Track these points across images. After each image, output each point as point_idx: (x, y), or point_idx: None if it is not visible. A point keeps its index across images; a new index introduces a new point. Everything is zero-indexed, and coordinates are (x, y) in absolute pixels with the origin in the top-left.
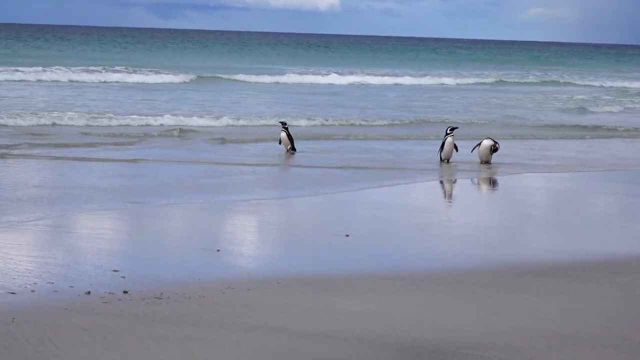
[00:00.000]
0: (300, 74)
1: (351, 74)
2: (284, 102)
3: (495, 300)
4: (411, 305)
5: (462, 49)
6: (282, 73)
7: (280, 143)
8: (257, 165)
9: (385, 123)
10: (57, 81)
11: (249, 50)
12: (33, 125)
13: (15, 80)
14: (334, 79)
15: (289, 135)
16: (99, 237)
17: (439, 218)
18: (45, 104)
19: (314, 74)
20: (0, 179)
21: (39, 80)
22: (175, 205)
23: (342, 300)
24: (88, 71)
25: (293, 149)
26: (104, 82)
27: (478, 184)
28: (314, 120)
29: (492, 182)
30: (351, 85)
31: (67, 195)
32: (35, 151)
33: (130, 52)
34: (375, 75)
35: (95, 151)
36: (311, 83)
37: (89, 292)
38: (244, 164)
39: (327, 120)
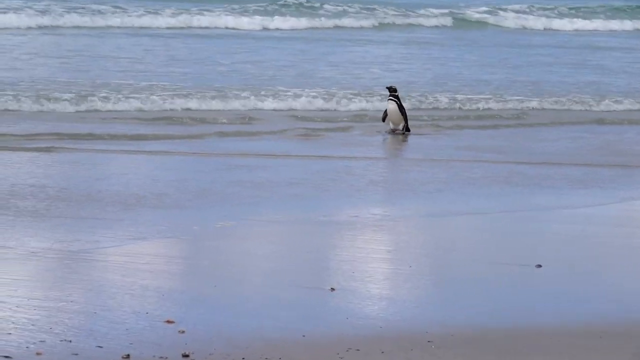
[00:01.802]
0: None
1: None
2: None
3: None
4: None
5: None
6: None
7: (384, 120)
8: (354, 158)
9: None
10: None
11: None
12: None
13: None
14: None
15: (400, 107)
16: (144, 268)
17: None
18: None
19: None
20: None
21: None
22: (269, 220)
23: None
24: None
25: (407, 128)
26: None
27: None
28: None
29: None
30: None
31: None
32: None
33: None
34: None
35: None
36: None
37: (127, 356)
38: (340, 157)
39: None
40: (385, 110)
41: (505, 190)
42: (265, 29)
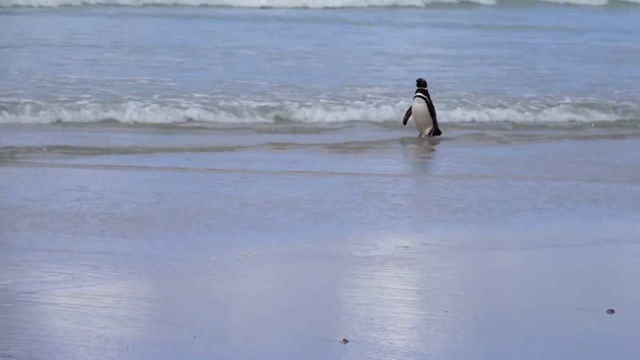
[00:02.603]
0: None
1: None
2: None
3: None
4: None
5: None
6: None
7: (405, 122)
8: (369, 174)
9: None
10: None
11: None
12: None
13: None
14: None
15: (430, 106)
16: (104, 313)
17: None
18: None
19: None
20: None
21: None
22: (266, 252)
23: None
24: None
25: (436, 131)
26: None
27: None
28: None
29: None
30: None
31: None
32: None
33: None
34: None
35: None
36: None
37: None
38: (355, 174)
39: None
40: (409, 110)
41: (568, 215)
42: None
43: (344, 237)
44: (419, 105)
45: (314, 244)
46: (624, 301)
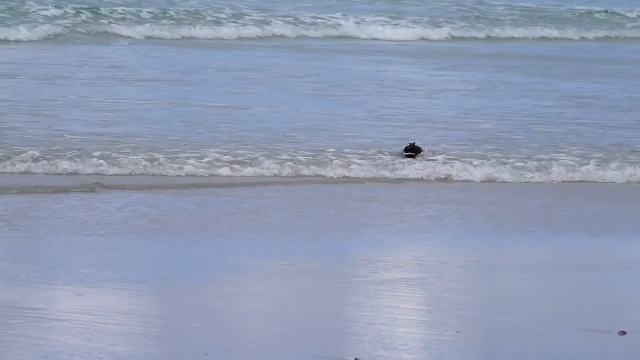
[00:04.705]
0: None
1: None
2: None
3: None
4: None
5: None
6: None
7: None
8: (378, 180)
9: None
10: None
11: None
12: None
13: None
14: None
15: None
16: (116, 331)
17: None
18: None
19: None
20: None
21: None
22: (275, 269)
23: None
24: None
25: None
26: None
27: None
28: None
29: None
30: None
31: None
32: None
33: None
34: None
35: None
36: None
37: None
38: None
39: None
40: None
41: (584, 234)
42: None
43: (352, 250)
44: None
45: (321, 259)
46: (635, 323)
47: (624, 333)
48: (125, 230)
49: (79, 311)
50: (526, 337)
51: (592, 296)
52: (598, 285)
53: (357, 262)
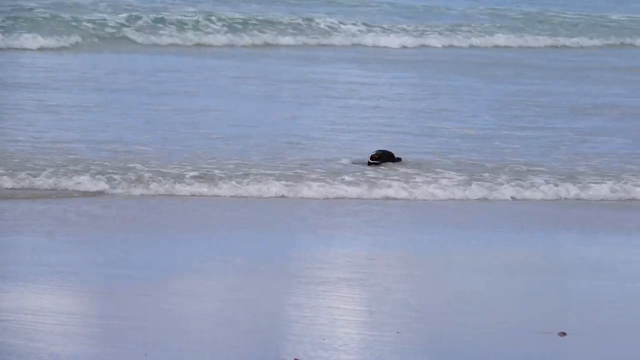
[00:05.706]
0: None
1: None
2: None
3: None
4: None
5: None
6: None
7: None
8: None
9: None
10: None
11: None
12: None
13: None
14: None
15: None
16: (56, 330)
17: None
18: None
19: None
20: None
21: None
22: (211, 271)
23: None
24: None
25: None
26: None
27: None
28: None
29: None
30: None
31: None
32: None
33: None
34: None
35: None
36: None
37: None
38: None
39: None
40: None
41: (525, 239)
42: None
43: (291, 251)
44: None
45: (260, 260)
46: (576, 324)
47: (564, 334)
48: (66, 231)
49: (17, 311)
50: (466, 337)
51: (534, 297)
52: (541, 286)
53: (298, 263)
